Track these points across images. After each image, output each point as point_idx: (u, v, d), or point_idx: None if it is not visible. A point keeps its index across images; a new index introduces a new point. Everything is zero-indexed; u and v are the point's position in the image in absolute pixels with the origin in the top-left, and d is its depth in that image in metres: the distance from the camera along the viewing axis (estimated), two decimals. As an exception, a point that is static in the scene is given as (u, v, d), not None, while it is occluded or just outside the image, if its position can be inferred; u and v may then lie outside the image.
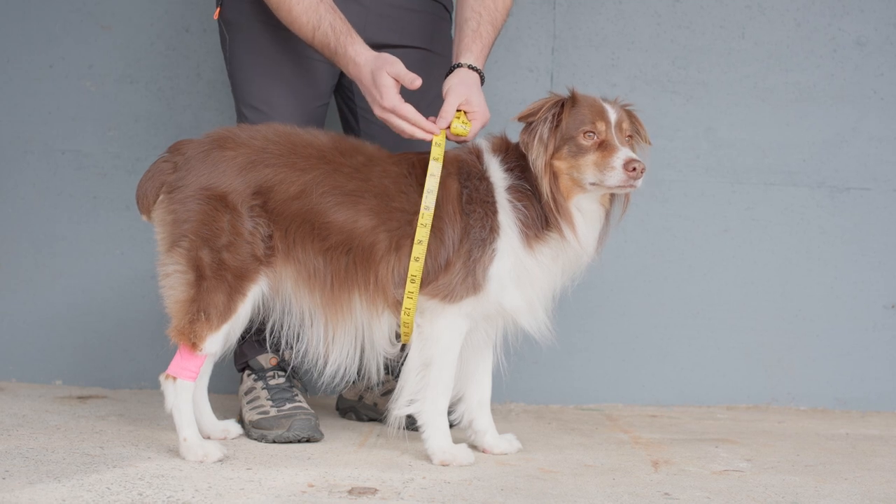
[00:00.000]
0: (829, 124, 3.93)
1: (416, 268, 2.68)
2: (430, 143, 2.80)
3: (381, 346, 2.82)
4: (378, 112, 2.85)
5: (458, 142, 2.90)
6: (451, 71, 2.95)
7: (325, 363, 2.83)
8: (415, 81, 2.79)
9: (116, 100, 3.91)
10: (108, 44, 3.91)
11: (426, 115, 2.86)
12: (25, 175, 3.90)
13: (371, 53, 2.86)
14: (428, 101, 3.02)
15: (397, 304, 2.75)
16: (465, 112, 2.87)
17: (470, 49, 2.98)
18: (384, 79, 2.80)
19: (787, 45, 3.93)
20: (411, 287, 2.70)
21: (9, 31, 3.91)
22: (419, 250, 2.68)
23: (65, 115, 3.90)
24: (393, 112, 2.81)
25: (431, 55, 3.26)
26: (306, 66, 3.15)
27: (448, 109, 2.84)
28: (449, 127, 2.84)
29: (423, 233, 2.68)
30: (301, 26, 2.92)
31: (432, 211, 2.68)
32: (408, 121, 2.81)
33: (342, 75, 3.26)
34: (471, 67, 2.94)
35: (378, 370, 2.87)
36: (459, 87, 2.88)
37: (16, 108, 3.91)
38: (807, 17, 3.93)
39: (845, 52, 3.93)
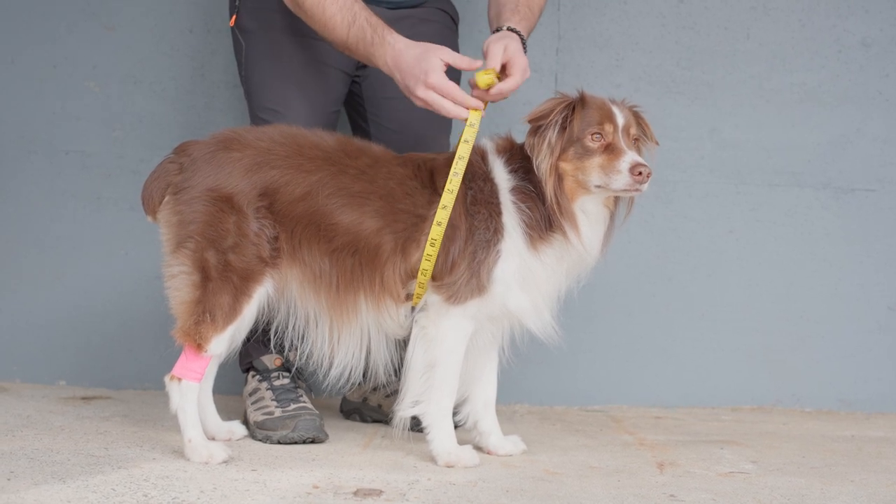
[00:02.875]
0: (833, 125, 3.92)
1: (437, 231, 2.68)
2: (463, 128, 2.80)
3: (387, 347, 2.83)
4: (421, 92, 2.79)
5: (488, 99, 2.83)
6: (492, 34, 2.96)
7: (331, 364, 2.83)
8: (473, 63, 2.81)
9: (120, 100, 3.90)
10: (112, 44, 3.91)
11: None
12: (29, 175, 3.90)
13: (413, 41, 2.85)
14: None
15: (405, 300, 2.75)
16: (499, 73, 2.84)
17: (510, 19, 2.99)
18: (433, 60, 2.79)
19: (791, 46, 3.93)
20: (430, 250, 2.68)
21: (13, 31, 3.90)
22: (442, 215, 2.67)
23: (69, 116, 3.90)
24: (437, 89, 2.78)
25: None
26: (322, 71, 3.18)
27: (494, 54, 2.83)
28: (476, 83, 2.81)
29: (443, 215, 2.68)
30: (335, 26, 2.90)
31: (455, 195, 2.69)
32: (453, 98, 2.78)
33: (352, 84, 3.30)
34: (511, 29, 2.95)
35: (385, 371, 2.87)
36: (498, 42, 2.86)
37: (20, 109, 3.90)
38: (811, 17, 3.93)
39: (850, 53, 3.92)
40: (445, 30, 3.37)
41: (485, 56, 2.86)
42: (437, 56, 2.79)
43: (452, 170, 2.70)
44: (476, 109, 2.79)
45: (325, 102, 3.20)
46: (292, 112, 3.09)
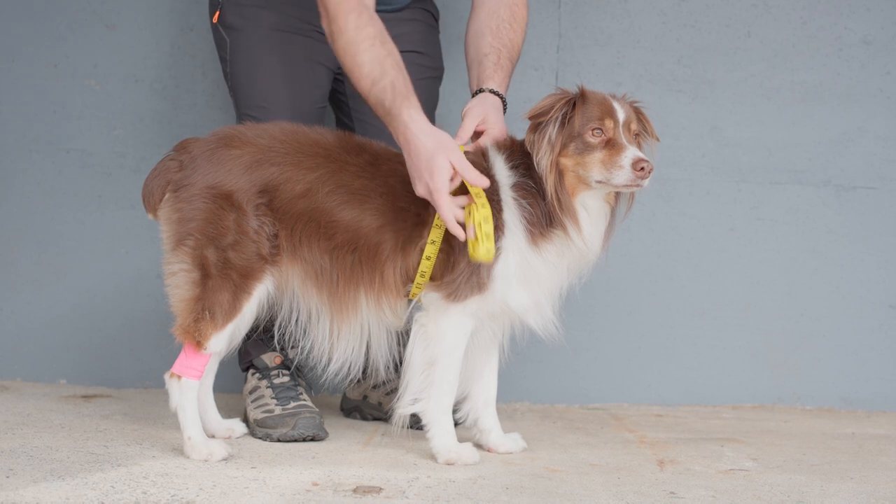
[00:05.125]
0: (835, 123, 3.92)
1: (436, 233, 2.70)
2: None
3: (387, 343, 2.84)
4: (421, 189, 2.68)
5: None
6: (473, 96, 3.00)
7: (330, 360, 2.83)
8: (478, 181, 2.64)
9: (121, 99, 3.91)
10: (113, 43, 3.91)
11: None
12: (30, 174, 3.90)
13: (429, 127, 2.71)
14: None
15: (405, 296, 2.75)
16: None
17: (492, 77, 3.02)
18: (441, 160, 2.63)
19: (792, 44, 3.92)
20: (436, 234, 2.69)
21: (14, 30, 3.91)
22: (436, 234, 2.69)
23: (70, 114, 3.90)
24: (436, 196, 2.64)
25: (423, 57, 3.33)
26: (307, 67, 3.18)
27: (466, 128, 2.86)
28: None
29: (436, 234, 2.69)
30: (362, 76, 2.78)
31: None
32: (441, 214, 2.66)
33: (335, 81, 3.31)
34: (493, 91, 2.98)
35: (387, 368, 2.87)
36: (477, 108, 2.91)
37: (21, 107, 3.91)
38: (812, 15, 3.92)
39: (851, 51, 3.92)
40: (428, 28, 3.40)
41: (462, 118, 2.90)
42: (447, 158, 2.63)
43: (485, 246, 2.60)
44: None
45: (312, 99, 3.20)
46: (279, 109, 3.10)
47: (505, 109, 3.00)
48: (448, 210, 2.62)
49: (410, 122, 2.70)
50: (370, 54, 2.77)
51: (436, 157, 2.64)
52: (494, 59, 3.05)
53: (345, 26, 2.79)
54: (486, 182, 2.65)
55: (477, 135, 2.90)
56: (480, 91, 3.00)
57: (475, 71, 3.09)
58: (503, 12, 3.12)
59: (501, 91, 3.01)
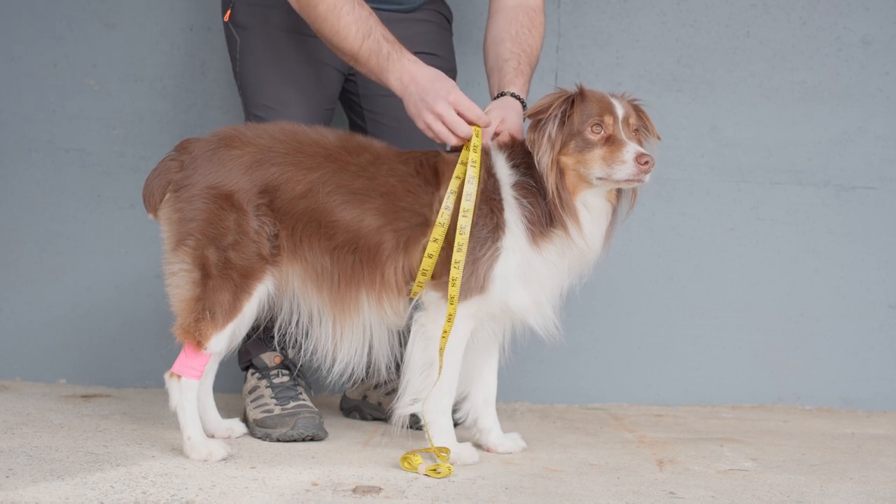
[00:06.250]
0: (834, 123, 3.92)
1: (439, 231, 2.69)
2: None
3: (388, 343, 2.84)
4: (441, 106, 2.78)
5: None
6: (494, 100, 3.02)
7: (334, 361, 2.83)
8: (480, 117, 2.80)
9: (121, 98, 3.90)
10: (113, 42, 3.91)
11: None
12: (30, 173, 3.90)
13: (426, 65, 2.89)
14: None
15: (406, 295, 2.75)
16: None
17: (513, 82, 3.04)
18: (451, 82, 2.83)
19: (792, 44, 3.92)
20: (439, 232, 2.68)
21: (13, 30, 3.91)
22: (445, 216, 2.69)
23: (69, 114, 3.90)
24: (458, 105, 2.78)
25: (436, 59, 3.30)
26: (317, 68, 3.19)
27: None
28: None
29: (445, 216, 2.69)
30: (349, 35, 2.88)
31: (473, 202, 2.69)
32: (472, 116, 2.78)
33: (346, 81, 3.30)
34: (514, 95, 3.00)
35: (388, 368, 2.87)
36: (497, 109, 2.93)
37: (20, 107, 3.91)
38: (812, 15, 3.92)
39: (851, 51, 3.92)
40: (440, 30, 3.40)
41: None
42: (449, 90, 2.82)
43: (466, 189, 2.69)
44: (482, 126, 2.81)
45: (321, 100, 3.21)
46: (288, 110, 3.10)
47: (525, 109, 3.00)
48: (477, 110, 2.78)
49: (412, 63, 2.86)
50: (354, 15, 2.89)
51: (445, 78, 2.84)
52: (515, 65, 3.07)
53: None
54: (482, 115, 2.80)
55: (495, 135, 2.90)
56: (502, 94, 3.02)
57: (495, 77, 3.10)
58: (522, 18, 3.13)
59: (522, 96, 3.03)
